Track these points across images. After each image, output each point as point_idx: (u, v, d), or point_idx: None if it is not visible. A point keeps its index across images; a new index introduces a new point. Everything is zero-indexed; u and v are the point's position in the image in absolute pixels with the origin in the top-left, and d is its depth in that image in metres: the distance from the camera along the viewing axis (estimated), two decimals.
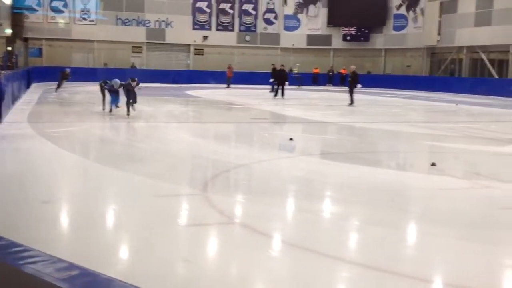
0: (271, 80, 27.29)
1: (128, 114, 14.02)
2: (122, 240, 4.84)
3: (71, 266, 2.74)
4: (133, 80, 14.35)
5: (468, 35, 34.65)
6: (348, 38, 42.87)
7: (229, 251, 4.61)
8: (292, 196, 6.78)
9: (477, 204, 6.36)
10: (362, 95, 25.21)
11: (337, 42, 43.14)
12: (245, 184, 7.49)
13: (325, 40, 43.18)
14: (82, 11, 38.98)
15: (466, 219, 5.72)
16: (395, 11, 41.55)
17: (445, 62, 37.85)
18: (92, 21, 39.16)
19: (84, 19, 39.12)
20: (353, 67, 22.77)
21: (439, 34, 37.21)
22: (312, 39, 43.12)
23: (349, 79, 22.03)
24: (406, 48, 40.34)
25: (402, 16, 41.19)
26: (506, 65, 32.97)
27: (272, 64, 30.99)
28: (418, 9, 39.83)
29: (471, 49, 35.10)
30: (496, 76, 33.36)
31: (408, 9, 40.73)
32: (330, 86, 37.83)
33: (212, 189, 6.70)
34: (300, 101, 24.60)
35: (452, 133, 13.42)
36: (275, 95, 24.97)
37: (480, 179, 7.65)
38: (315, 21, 43.29)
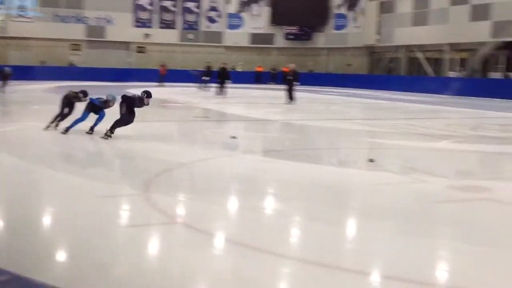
0: (204, 77, 28.08)
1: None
2: (58, 243, 4.71)
3: (0, 271, 2.66)
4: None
5: (406, 34, 35.71)
6: (291, 37, 43.36)
7: (171, 251, 4.58)
8: (235, 194, 6.81)
9: (413, 198, 6.57)
10: (304, 93, 25.55)
11: (280, 41, 43.54)
12: (188, 183, 7.45)
13: (268, 38, 43.51)
14: (18, 7, 37.70)
15: (403, 213, 5.90)
16: (336, 11, 42.33)
17: (384, 61, 38.89)
18: (29, 18, 37.94)
19: (21, 16, 37.86)
20: (292, 65, 23.08)
21: (378, 33, 38.18)
22: (255, 38, 43.35)
23: (289, 77, 22.31)
24: (347, 47, 41.17)
25: (342, 16, 42.02)
26: (442, 63, 34.21)
27: (207, 62, 30.94)
28: (358, 9, 40.72)
29: (409, 48, 36.19)
30: (432, 75, 34.53)
31: (348, 9, 41.59)
32: (273, 84, 38.13)
33: (153, 188, 6.62)
34: (242, 99, 24.69)
35: (390, 129, 13.80)
36: (219, 94, 25.02)
37: (415, 174, 7.90)
38: (258, 19, 43.55)
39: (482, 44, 31.16)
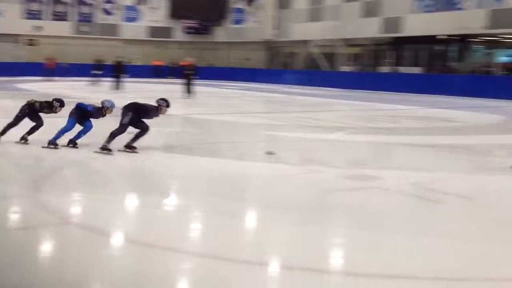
0: (95, 71, 27.46)
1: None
2: None
3: None
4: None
5: (302, 29, 36.67)
6: (190, 30, 43.09)
7: (64, 253, 4.40)
8: (132, 191, 6.66)
9: (309, 189, 6.79)
10: (204, 87, 25.54)
11: (179, 35, 43.14)
12: (81, 181, 7.19)
13: (167, 32, 42.96)
14: None
15: (300, 203, 6.08)
16: (234, 5, 42.62)
17: (282, 56, 39.73)
18: None
19: None
20: (192, 59, 23.02)
21: (275, 28, 38.90)
22: (153, 31, 42.65)
23: (188, 71, 22.21)
24: (246, 41, 41.58)
25: (241, 11, 42.38)
26: (336, 58, 35.50)
27: (98, 56, 30.02)
28: (255, 4, 41.24)
29: (305, 43, 37.19)
30: (327, 69, 35.75)
31: (247, 4, 42.01)
32: (172, 78, 37.75)
33: (43, 188, 6.34)
34: (140, 94, 24.19)
35: (287, 122, 14.14)
36: (114, 88, 24.40)
37: (311, 165, 8.16)
38: (157, 12, 42.86)
39: (372, 39, 32.70)
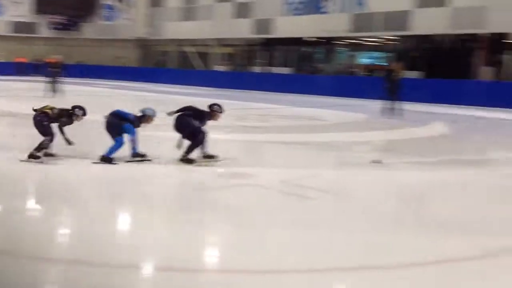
0: None
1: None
2: None
3: None
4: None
5: (176, 28, 36.44)
6: (57, 26, 41.06)
7: None
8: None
9: (185, 187, 6.86)
10: (72, 85, 24.45)
11: (45, 31, 40.92)
12: None
13: (32, 27, 40.58)
14: None
15: (176, 202, 6.07)
16: (104, 1, 41.27)
17: (155, 54, 39.20)
18: None
19: None
20: (57, 56, 22.02)
21: (148, 26, 38.27)
22: (17, 26, 40.10)
23: (55, 69, 21.20)
24: (117, 39, 40.45)
25: (111, 7, 41.13)
26: (209, 57, 35.74)
27: None
28: (126, 1, 40.25)
29: (179, 42, 37.00)
30: (201, 68, 35.87)
31: (117, 0, 40.86)
32: (36, 76, 35.69)
33: None
34: (4, 93, 22.68)
35: (159, 122, 13.93)
36: None
37: (183, 164, 8.12)
38: (21, 7, 40.32)
39: (245, 40, 33.36)
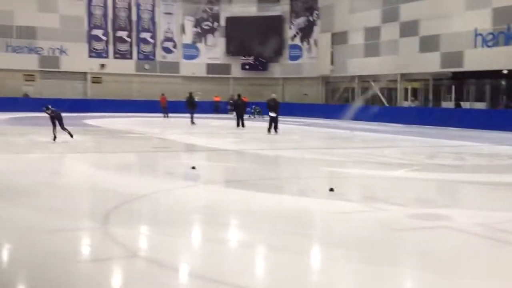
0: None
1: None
2: (13, 281, 4.52)
3: None
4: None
5: (359, 65, 36.52)
6: (247, 67, 43.80)
7: (133, 286, 4.46)
8: (197, 225, 6.71)
9: (374, 227, 6.63)
10: (261, 122, 25.71)
11: (236, 71, 43.88)
12: (148, 215, 7.32)
13: (225, 68, 43.80)
14: None
15: (366, 242, 5.94)
16: (290, 42, 43.06)
17: (339, 91, 39.62)
18: None
19: None
20: (274, 95, 24.12)
21: (332, 64, 38.92)
22: (211, 68, 43.60)
23: (271, 106, 22.72)
24: (302, 77, 41.77)
25: (297, 47, 42.74)
26: (395, 93, 35.07)
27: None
28: (311, 40, 41.50)
29: (362, 78, 36.98)
30: (386, 104, 35.32)
31: (302, 40, 42.34)
32: (232, 114, 38.31)
33: (113, 222, 6.47)
34: (202, 129, 24.66)
35: (348, 158, 13.98)
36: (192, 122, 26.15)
37: (375, 203, 7.98)
38: (214, 50, 43.89)
39: (431, 74, 32.16)
